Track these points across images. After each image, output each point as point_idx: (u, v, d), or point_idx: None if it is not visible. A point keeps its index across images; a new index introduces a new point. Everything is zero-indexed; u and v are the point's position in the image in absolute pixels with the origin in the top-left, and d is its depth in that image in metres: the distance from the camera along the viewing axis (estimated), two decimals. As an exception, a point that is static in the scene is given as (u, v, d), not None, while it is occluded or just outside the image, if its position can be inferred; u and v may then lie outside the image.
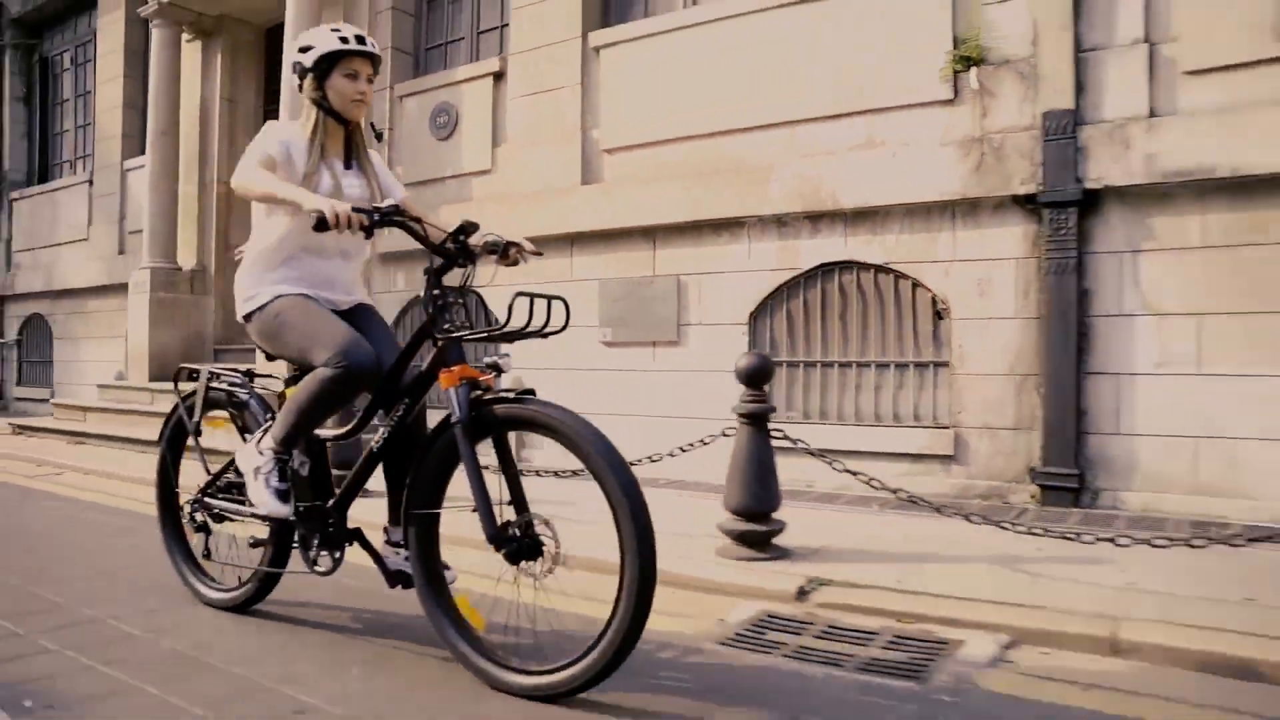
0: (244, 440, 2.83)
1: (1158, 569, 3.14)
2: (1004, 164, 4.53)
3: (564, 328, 2.26)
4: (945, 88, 4.77)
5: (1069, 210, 4.33)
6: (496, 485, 2.24)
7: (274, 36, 8.58)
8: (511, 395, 2.25)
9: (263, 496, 2.58)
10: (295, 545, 2.71)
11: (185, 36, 8.67)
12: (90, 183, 10.14)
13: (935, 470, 4.74)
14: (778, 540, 3.46)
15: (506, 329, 2.25)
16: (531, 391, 2.27)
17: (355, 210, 2.21)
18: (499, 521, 2.21)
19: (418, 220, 2.41)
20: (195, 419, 2.99)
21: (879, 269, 4.97)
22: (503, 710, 2.12)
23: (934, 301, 4.82)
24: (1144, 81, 4.27)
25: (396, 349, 2.60)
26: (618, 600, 2.04)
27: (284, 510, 2.59)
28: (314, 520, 2.62)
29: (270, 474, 2.59)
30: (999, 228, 4.60)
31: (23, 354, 11.22)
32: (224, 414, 2.99)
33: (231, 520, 2.87)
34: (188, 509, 2.96)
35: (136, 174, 9.29)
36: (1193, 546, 3.09)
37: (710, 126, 5.59)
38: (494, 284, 5.29)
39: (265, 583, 2.84)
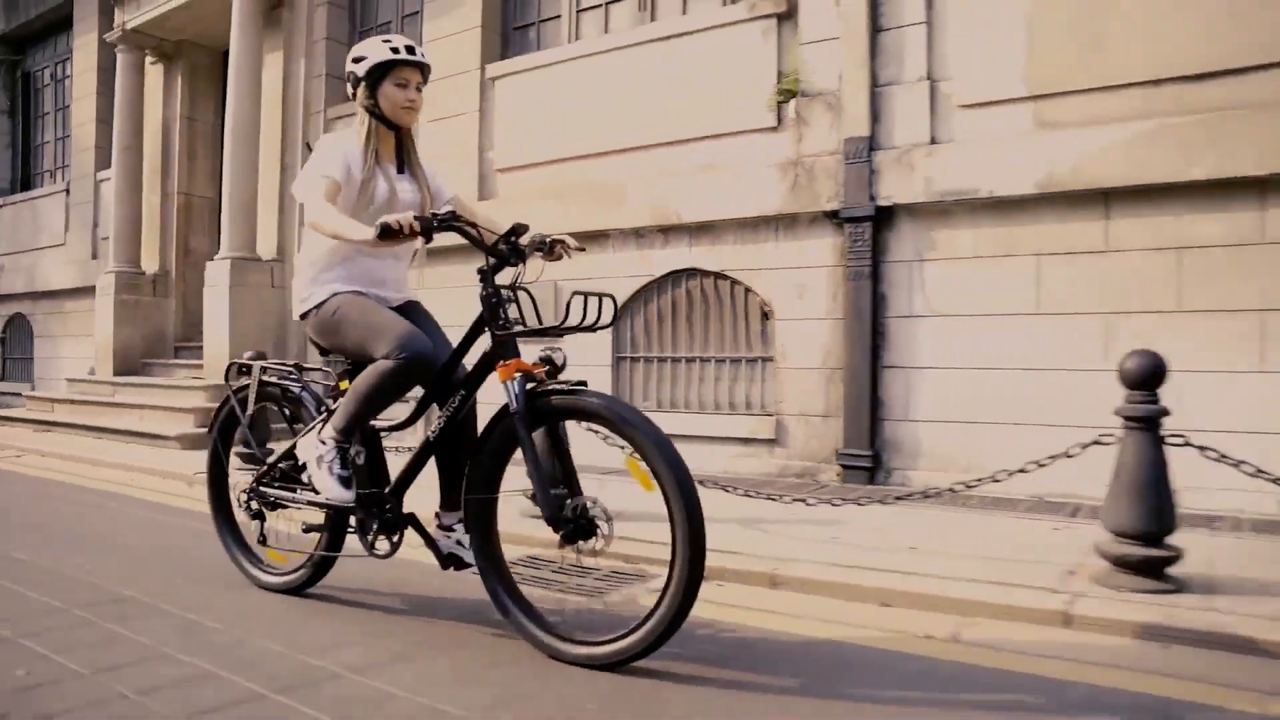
0: (293, 432, 2.95)
1: (870, 526, 3.72)
2: (815, 184, 5.11)
3: (612, 323, 2.35)
4: (771, 117, 5.35)
5: (865, 224, 4.91)
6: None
7: (230, 59, 9.24)
8: (564, 387, 2.32)
9: (327, 483, 2.63)
10: (351, 530, 2.79)
11: (149, 59, 9.30)
12: (67, 192, 10.80)
13: (761, 452, 5.32)
14: (572, 505, 4.06)
15: (560, 325, 2.32)
16: (583, 383, 2.34)
17: (416, 218, 2.28)
18: (556, 505, 2.30)
19: (472, 225, 2.46)
20: (248, 411, 3.05)
21: (717, 275, 5.55)
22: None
23: (761, 304, 5.40)
24: (926, 113, 4.84)
25: (448, 344, 2.71)
26: (670, 574, 2.13)
27: (347, 495, 2.64)
28: (371, 506, 2.68)
29: (333, 461, 2.64)
30: (813, 239, 5.17)
31: (6, 351, 11.89)
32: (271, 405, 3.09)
33: (286, 507, 2.93)
34: (243, 497, 3.01)
35: (108, 184, 9.89)
36: (858, 504, 3.70)
37: (584, 149, 6.17)
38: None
39: (320, 567, 2.91)
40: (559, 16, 6.66)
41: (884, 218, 4.91)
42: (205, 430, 7.18)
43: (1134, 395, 2.83)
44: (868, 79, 4.96)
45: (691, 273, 5.65)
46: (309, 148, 8.22)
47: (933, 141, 4.82)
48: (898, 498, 3.70)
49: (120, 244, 9.10)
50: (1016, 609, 2.68)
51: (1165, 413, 2.81)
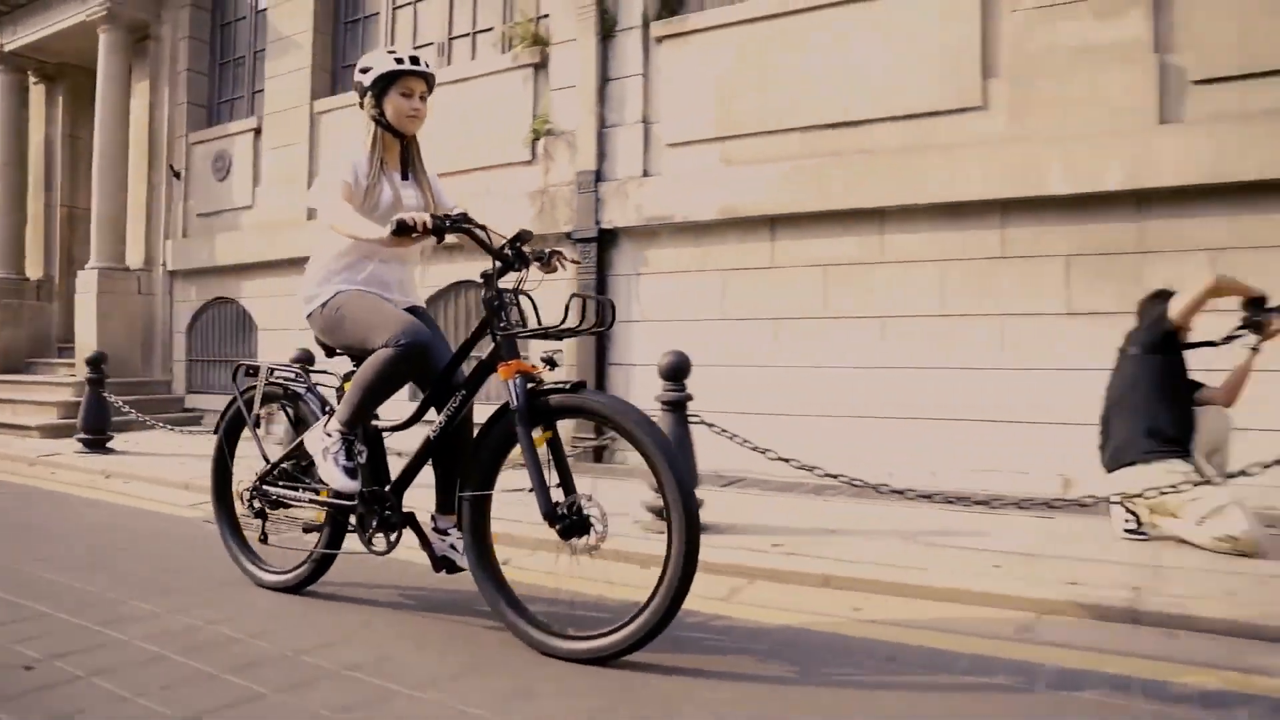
0: (296, 433, 2.90)
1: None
2: (556, 210, 5.83)
3: (610, 326, 2.33)
4: (527, 152, 6.06)
5: (592, 244, 5.63)
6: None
7: (111, 84, 9.69)
8: (565, 386, 2.30)
9: (333, 474, 2.57)
10: (351, 529, 2.73)
11: (32, 80, 9.74)
12: (-38, 204, 11.18)
13: (521, 437, 6.03)
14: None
15: (561, 327, 2.31)
16: (582, 383, 2.33)
17: (431, 217, 2.27)
18: (552, 501, 2.26)
19: (482, 228, 2.44)
20: (254, 412, 2.97)
21: (487, 286, 6.26)
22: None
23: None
24: (641, 151, 5.58)
25: (449, 349, 2.70)
26: (665, 566, 2.09)
27: (353, 486, 2.58)
28: (372, 503, 2.64)
29: (338, 453, 2.58)
30: (558, 257, 5.90)
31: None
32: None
33: (289, 506, 2.88)
34: (246, 496, 2.93)
35: None
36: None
37: (390, 174, 6.84)
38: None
39: (320, 565, 2.85)
40: (376, 57, 7.31)
41: (608, 238, 5.64)
42: (64, 420, 7.70)
43: (667, 385, 3.58)
44: (596, 121, 5.69)
45: (468, 284, 6.34)
46: (173, 169, 8.87)
47: (645, 175, 5.57)
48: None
49: (3, 252, 9.52)
50: (552, 542, 3.40)
51: (689, 398, 3.57)
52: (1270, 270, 3.99)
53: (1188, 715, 1.94)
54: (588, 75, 5.70)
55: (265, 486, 2.89)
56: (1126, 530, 3.47)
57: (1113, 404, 3.57)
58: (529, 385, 2.33)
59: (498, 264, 2.42)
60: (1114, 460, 3.49)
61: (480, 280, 2.44)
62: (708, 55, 5.41)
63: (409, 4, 7.13)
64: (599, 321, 2.32)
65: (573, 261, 2.64)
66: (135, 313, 8.58)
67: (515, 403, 2.30)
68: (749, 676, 2.19)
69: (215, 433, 3.12)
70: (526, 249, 2.43)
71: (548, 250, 2.57)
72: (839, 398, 4.96)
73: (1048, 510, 3.89)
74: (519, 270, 2.42)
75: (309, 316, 2.71)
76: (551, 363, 2.36)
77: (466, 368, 2.60)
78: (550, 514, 2.25)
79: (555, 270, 2.61)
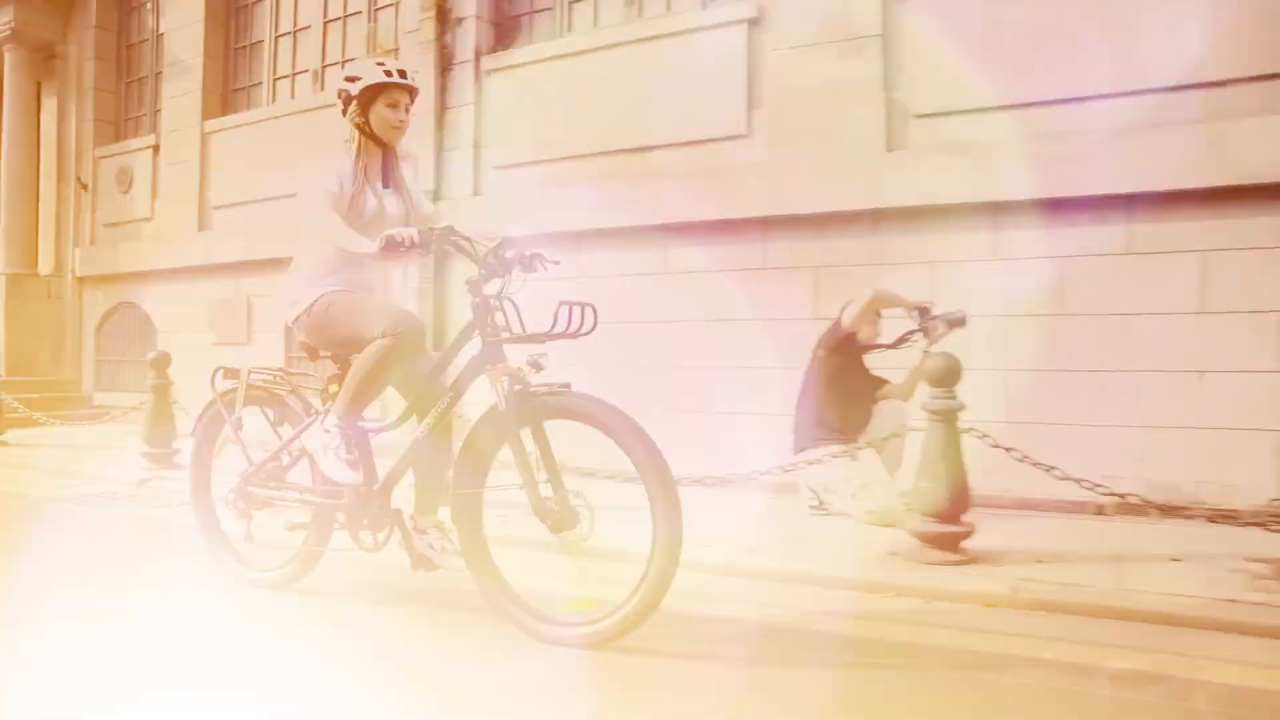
0: (278, 436, 2.91)
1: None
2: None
3: (592, 330, 2.37)
4: (379, 171, 6.54)
5: (429, 257, 6.11)
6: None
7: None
8: (551, 388, 2.35)
9: (335, 467, 2.57)
10: (339, 526, 2.71)
11: (-52, 93, 10.07)
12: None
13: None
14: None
15: (549, 332, 2.35)
16: (567, 385, 2.36)
17: (419, 231, 2.31)
18: (542, 497, 2.31)
19: (467, 239, 2.48)
20: (236, 414, 2.93)
21: (345, 294, 6.72)
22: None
23: (374, 316, 6.59)
24: (472, 172, 6.07)
25: (431, 356, 2.72)
26: (650, 559, 2.17)
27: (355, 477, 2.58)
28: (362, 500, 2.63)
29: (339, 447, 2.58)
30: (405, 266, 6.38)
31: None
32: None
33: (274, 506, 2.86)
34: (231, 496, 2.89)
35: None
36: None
37: (268, 193, 7.26)
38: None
39: (306, 563, 2.83)
40: (261, 83, 7.77)
41: (445, 252, 6.11)
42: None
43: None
44: (436, 145, 6.17)
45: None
46: (80, 182, 9.30)
47: (475, 194, 6.06)
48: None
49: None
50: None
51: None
52: (974, 280, 4.54)
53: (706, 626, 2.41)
54: (428, 102, 6.15)
55: (250, 487, 2.87)
56: (811, 507, 3.99)
57: (799, 397, 4.10)
58: (517, 387, 2.39)
59: (483, 271, 2.46)
60: (795, 445, 4.02)
61: (467, 287, 2.49)
62: (529, 87, 5.90)
63: (289, 34, 7.57)
64: (582, 326, 2.37)
65: (553, 262, 2.65)
66: (46, 316, 8.94)
67: (504, 404, 2.37)
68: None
69: (192, 434, 3.12)
70: (509, 254, 2.48)
71: (529, 253, 2.57)
72: (629, 397, 5.42)
73: (778, 491, 4.38)
74: (503, 276, 2.47)
75: (294, 321, 2.72)
76: (537, 366, 2.41)
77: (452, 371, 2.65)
78: (539, 509, 2.33)
79: (535, 270, 2.61)
